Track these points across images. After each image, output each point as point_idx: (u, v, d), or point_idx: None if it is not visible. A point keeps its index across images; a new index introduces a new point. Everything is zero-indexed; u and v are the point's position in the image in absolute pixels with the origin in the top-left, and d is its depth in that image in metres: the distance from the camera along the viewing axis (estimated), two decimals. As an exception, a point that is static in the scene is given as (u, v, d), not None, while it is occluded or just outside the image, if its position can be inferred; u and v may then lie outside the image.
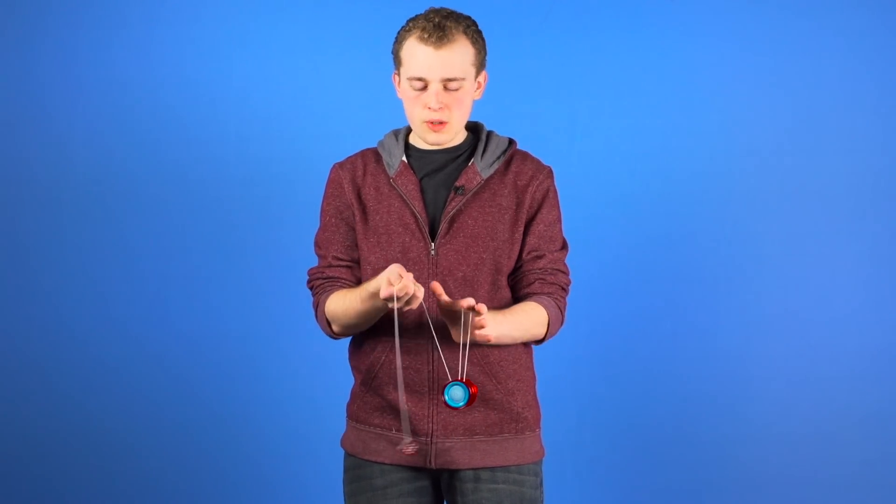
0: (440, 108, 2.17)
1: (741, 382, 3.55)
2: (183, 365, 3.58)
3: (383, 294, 2.01)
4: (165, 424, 3.59)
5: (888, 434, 3.52)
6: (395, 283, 2.01)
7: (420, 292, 2.04)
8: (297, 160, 3.54)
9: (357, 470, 2.28)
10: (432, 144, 2.24)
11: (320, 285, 2.28)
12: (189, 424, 3.59)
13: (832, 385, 3.53)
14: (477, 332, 2.07)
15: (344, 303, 2.19)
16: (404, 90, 2.21)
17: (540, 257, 2.25)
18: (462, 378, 2.08)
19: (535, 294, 2.23)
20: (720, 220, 3.55)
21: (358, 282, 2.26)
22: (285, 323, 3.55)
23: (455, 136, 2.25)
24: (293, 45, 3.58)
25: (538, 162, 2.30)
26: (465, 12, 2.24)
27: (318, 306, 2.27)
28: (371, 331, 2.24)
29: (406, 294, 2.01)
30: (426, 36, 2.14)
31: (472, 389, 2.07)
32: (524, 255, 2.25)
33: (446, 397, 2.07)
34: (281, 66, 3.58)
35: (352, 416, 2.30)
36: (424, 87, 2.17)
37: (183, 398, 3.59)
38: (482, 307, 2.04)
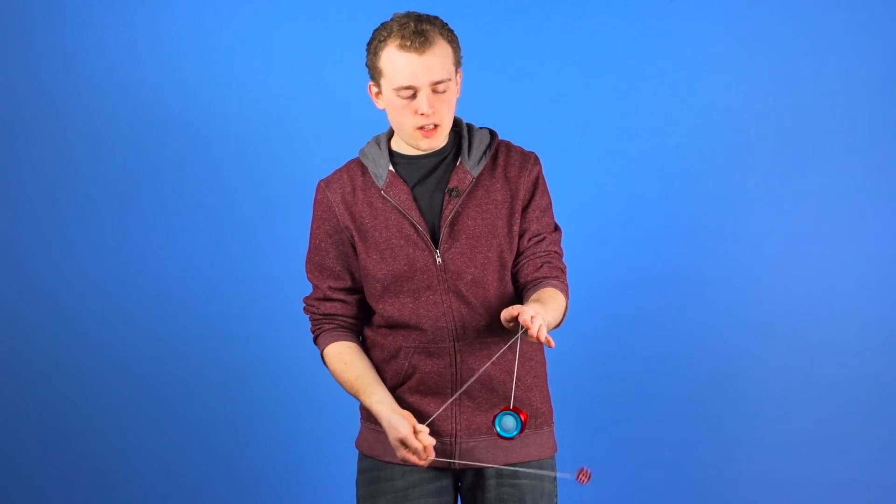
0: (433, 113, 2.15)
1: (741, 382, 3.55)
2: (187, 366, 3.58)
3: (399, 456, 2.13)
4: (175, 424, 3.59)
5: (888, 434, 3.52)
6: (414, 455, 2.10)
7: (431, 450, 2.12)
8: (296, 160, 3.54)
9: (376, 472, 2.27)
10: (425, 150, 2.22)
11: (318, 321, 2.30)
12: (199, 424, 3.59)
13: (832, 385, 3.53)
14: (540, 336, 2.02)
15: (342, 380, 2.25)
16: (390, 101, 2.17)
17: (542, 240, 2.25)
18: (511, 406, 2.05)
19: (545, 279, 2.22)
20: (720, 220, 3.55)
21: (355, 314, 2.29)
22: (291, 322, 3.53)
23: (445, 138, 2.23)
24: (293, 45, 3.57)
25: (523, 150, 2.29)
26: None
27: (317, 338, 2.31)
28: (390, 339, 2.24)
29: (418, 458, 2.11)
30: (407, 44, 2.11)
31: (523, 416, 2.05)
32: (526, 240, 2.24)
33: (498, 428, 2.06)
34: (281, 67, 3.57)
35: (370, 419, 2.28)
36: (413, 96, 2.14)
37: (192, 399, 3.59)
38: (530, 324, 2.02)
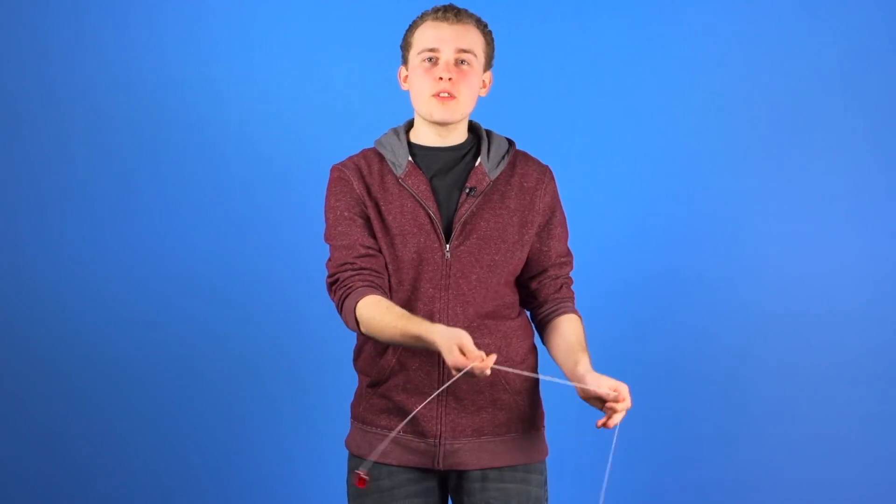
0: (450, 79, 2.18)
1: (741, 382, 3.55)
2: (184, 364, 3.58)
3: (453, 363, 1.95)
4: (170, 423, 3.59)
5: (888, 434, 3.52)
6: (471, 358, 1.95)
7: (490, 361, 1.98)
8: (297, 160, 3.54)
9: None
10: (438, 122, 2.22)
11: (350, 277, 2.17)
12: (193, 423, 3.59)
13: (832, 385, 3.53)
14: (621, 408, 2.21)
15: (383, 322, 2.10)
16: (413, 69, 2.22)
17: (566, 263, 2.29)
18: None
19: (564, 301, 2.28)
20: (720, 221, 3.55)
21: (385, 277, 2.19)
22: (286, 321, 3.55)
23: (461, 118, 2.24)
24: (293, 44, 3.57)
25: (539, 162, 2.31)
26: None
27: (345, 299, 2.17)
28: None
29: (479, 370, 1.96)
30: (439, 15, 2.21)
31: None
32: (553, 257, 2.27)
33: None
34: (281, 66, 3.57)
35: (357, 417, 2.29)
36: (436, 62, 2.19)
37: (187, 399, 3.59)
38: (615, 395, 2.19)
